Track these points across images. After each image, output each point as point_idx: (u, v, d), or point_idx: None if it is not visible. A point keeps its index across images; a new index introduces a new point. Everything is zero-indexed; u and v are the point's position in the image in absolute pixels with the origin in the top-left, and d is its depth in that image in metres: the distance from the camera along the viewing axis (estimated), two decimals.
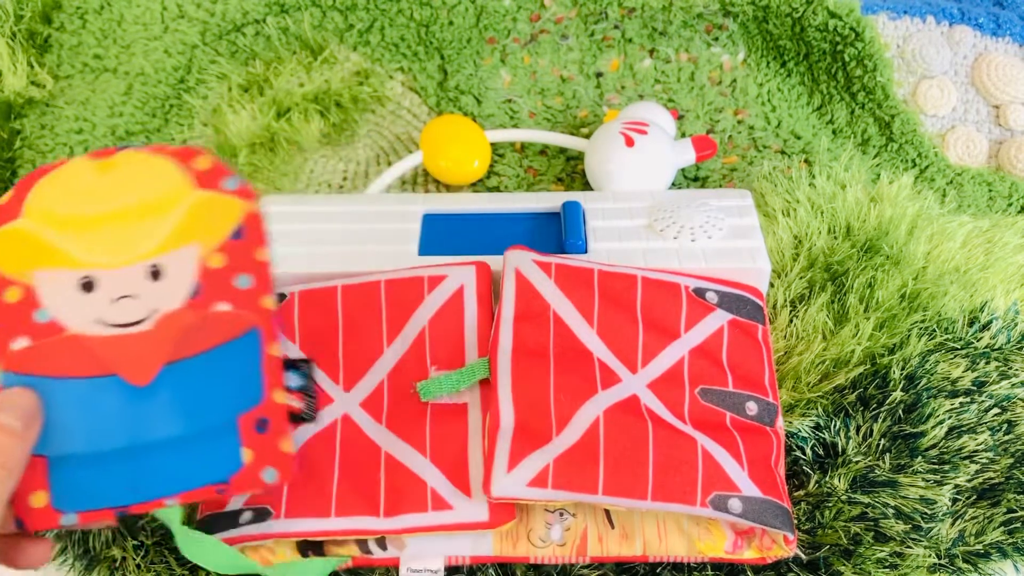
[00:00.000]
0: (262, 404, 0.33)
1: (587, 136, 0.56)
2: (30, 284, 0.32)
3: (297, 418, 0.34)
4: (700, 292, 0.44)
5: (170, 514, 0.34)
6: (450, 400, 0.42)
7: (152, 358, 0.32)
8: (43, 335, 0.32)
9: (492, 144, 0.56)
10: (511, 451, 0.38)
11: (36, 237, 0.33)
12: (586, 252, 0.46)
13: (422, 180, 0.56)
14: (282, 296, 0.45)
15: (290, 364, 0.34)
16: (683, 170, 0.56)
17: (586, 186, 0.55)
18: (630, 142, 0.50)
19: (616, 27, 0.61)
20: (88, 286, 0.33)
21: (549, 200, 0.50)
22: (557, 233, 0.48)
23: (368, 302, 0.44)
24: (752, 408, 0.42)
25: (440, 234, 0.48)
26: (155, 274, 0.33)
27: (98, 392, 0.32)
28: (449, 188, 0.56)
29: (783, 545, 0.39)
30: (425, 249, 0.47)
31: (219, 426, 0.33)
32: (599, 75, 0.60)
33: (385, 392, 0.43)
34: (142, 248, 0.33)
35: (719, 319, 0.44)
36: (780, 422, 0.42)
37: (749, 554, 0.40)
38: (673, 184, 0.55)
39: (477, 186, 0.56)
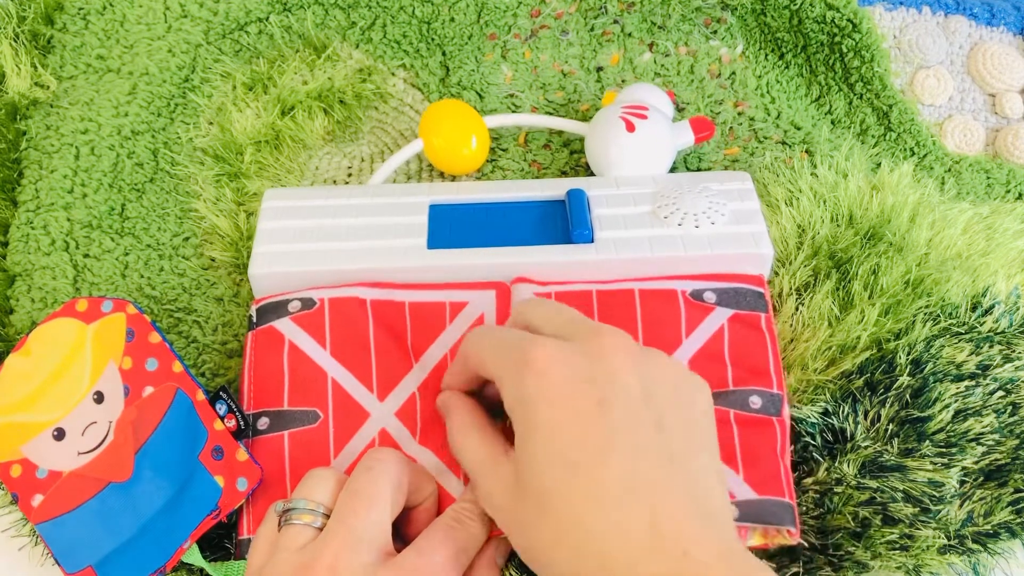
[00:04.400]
0: (210, 438, 0.41)
1: None
2: (24, 457, 0.42)
3: (237, 432, 0.42)
4: (697, 294, 0.45)
5: (192, 555, 0.40)
6: None
7: (125, 456, 0.41)
8: (49, 486, 0.41)
9: (493, 133, 0.56)
10: None
11: (9, 425, 0.42)
12: (592, 241, 0.47)
13: (426, 176, 0.57)
14: (311, 302, 0.45)
15: (214, 398, 0.42)
16: (685, 162, 0.56)
17: (590, 175, 0.55)
18: (631, 127, 0.51)
19: (615, 22, 0.61)
20: (60, 435, 0.42)
21: (554, 188, 0.50)
22: (564, 222, 0.48)
23: (394, 322, 0.45)
24: (756, 402, 0.42)
25: (448, 226, 0.48)
26: (98, 399, 0.42)
27: (103, 503, 0.40)
28: (454, 179, 0.56)
29: (786, 536, 0.40)
30: (434, 243, 0.47)
31: (191, 472, 0.40)
32: (599, 69, 0.61)
33: (418, 404, 0.43)
34: (81, 388, 0.42)
35: (719, 318, 0.45)
36: (786, 410, 0.43)
37: (754, 541, 0.41)
38: (673, 170, 0.55)
39: (481, 180, 0.56)
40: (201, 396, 0.42)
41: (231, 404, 0.42)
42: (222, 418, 0.42)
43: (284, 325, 0.45)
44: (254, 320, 0.46)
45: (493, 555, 0.40)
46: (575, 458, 0.32)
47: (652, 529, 0.31)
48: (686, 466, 0.33)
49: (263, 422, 0.43)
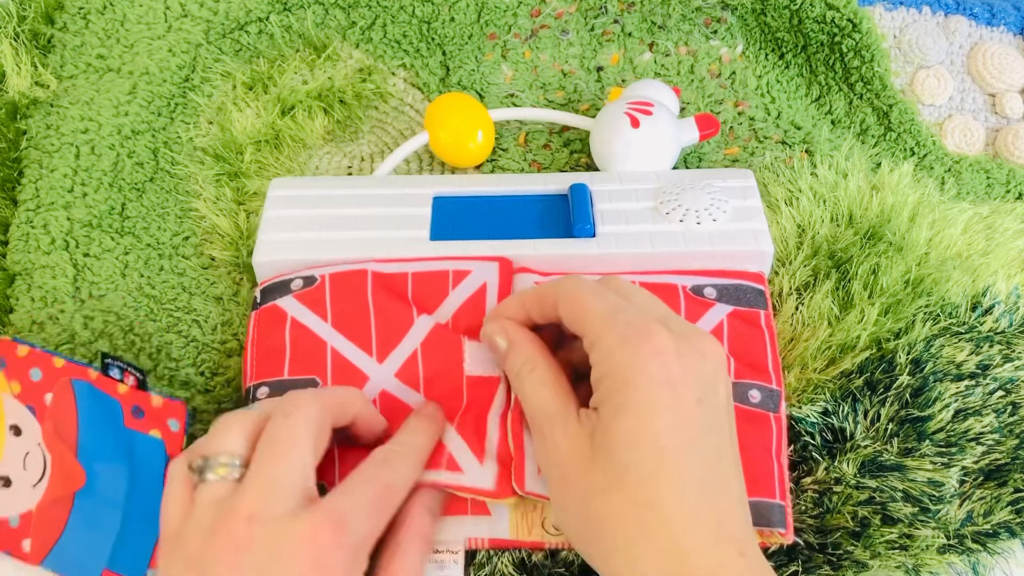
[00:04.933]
0: (122, 403, 0.42)
1: None
2: None
3: (142, 384, 0.42)
4: (698, 290, 0.45)
5: None
6: (485, 373, 0.43)
7: (70, 464, 0.40)
8: (28, 528, 0.41)
9: (497, 129, 0.56)
10: None
11: None
12: (594, 236, 0.47)
13: (428, 169, 0.57)
14: (312, 279, 0.46)
15: (104, 367, 0.42)
16: (686, 161, 0.56)
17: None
18: (635, 123, 0.51)
19: (616, 21, 0.61)
20: (7, 482, 0.42)
21: (557, 181, 0.50)
22: (566, 216, 0.48)
23: (396, 291, 0.45)
24: (755, 396, 0.42)
25: (451, 218, 0.49)
26: (16, 431, 0.42)
27: (81, 513, 0.40)
28: (456, 171, 0.56)
29: (779, 536, 0.40)
30: (437, 234, 0.47)
31: (129, 442, 0.41)
32: (599, 69, 0.61)
33: (420, 361, 0.43)
34: None
35: (719, 314, 0.45)
36: (784, 407, 0.43)
37: None
38: (676, 167, 0.55)
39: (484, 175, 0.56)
40: (94, 373, 0.42)
41: (121, 364, 0.42)
42: (121, 380, 0.42)
43: (287, 303, 0.45)
44: (258, 301, 0.46)
45: (427, 501, 0.40)
46: (666, 445, 0.34)
47: (718, 526, 0.33)
48: (740, 479, 0.36)
49: (263, 391, 0.43)
